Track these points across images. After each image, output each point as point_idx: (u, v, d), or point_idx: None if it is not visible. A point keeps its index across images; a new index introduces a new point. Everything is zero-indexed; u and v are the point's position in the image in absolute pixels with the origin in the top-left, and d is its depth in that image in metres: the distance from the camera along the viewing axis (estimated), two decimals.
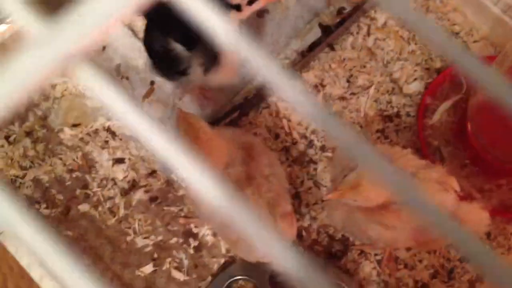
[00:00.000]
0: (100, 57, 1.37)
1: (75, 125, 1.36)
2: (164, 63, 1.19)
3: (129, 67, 1.39)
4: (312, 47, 1.45)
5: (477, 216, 1.14)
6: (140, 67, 1.38)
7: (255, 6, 1.11)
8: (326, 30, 1.47)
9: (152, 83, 1.38)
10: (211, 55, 1.13)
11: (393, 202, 1.10)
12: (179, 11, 1.12)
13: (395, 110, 1.43)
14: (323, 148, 1.38)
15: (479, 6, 1.47)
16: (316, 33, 1.46)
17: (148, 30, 1.24)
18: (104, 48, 1.38)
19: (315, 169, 1.36)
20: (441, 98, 1.42)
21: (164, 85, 1.38)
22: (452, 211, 1.13)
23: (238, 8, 1.09)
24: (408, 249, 1.33)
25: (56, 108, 1.37)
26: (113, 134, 1.36)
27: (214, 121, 1.33)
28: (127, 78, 1.38)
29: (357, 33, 1.48)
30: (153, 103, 1.35)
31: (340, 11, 1.49)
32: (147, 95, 1.37)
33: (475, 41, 1.51)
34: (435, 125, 1.41)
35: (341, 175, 1.10)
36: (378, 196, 1.16)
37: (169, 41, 1.12)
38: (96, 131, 1.36)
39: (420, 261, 1.32)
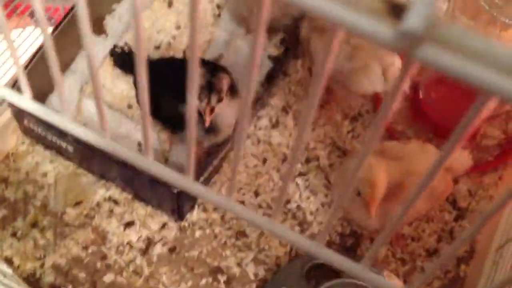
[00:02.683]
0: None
1: (77, 204, 1.40)
2: (165, 119, 1.33)
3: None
4: (269, 77, 1.59)
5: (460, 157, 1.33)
6: (123, 133, 1.46)
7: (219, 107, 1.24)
8: (276, 60, 1.62)
9: (139, 144, 1.45)
10: (212, 126, 1.26)
11: (397, 182, 1.24)
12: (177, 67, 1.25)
13: (356, 111, 1.59)
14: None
15: None
16: (268, 64, 1.60)
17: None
18: None
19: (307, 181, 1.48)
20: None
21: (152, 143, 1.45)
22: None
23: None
24: (410, 224, 1.46)
25: (54, 194, 1.41)
26: (115, 202, 1.41)
27: None
28: None
29: (303, 55, 1.64)
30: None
31: (282, 41, 1.66)
32: None
33: None
34: (394, 112, 1.57)
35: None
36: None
37: (180, 106, 1.24)
38: (98, 204, 1.41)
39: (423, 231, 1.45)
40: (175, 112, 1.26)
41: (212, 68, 1.28)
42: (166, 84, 1.29)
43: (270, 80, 1.57)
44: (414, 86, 1.59)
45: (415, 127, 1.57)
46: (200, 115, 1.22)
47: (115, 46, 1.56)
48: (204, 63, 1.33)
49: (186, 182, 0.52)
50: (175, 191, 1.26)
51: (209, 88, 1.20)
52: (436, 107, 1.56)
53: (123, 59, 1.53)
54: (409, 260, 1.42)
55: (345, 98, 1.54)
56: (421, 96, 1.57)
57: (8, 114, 1.43)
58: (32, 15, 1.58)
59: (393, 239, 1.43)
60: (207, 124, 1.21)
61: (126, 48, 1.56)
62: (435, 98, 1.57)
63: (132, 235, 1.38)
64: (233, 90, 1.27)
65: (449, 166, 1.30)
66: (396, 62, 1.38)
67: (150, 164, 0.52)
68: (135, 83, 1.41)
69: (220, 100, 1.21)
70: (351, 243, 1.42)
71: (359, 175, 1.17)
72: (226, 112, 1.26)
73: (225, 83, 1.22)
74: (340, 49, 1.33)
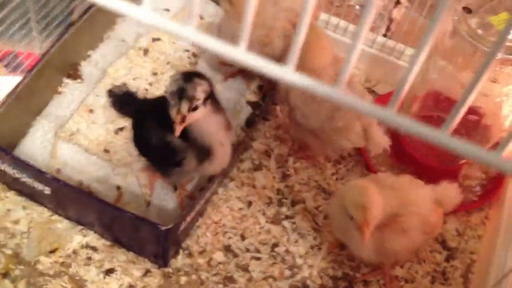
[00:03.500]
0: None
1: (52, 252, 1.29)
2: (160, 156, 1.24)
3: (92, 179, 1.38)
4: (249, 122, 1.57)
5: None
6: (101, 177, 1.38)
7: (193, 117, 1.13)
8: (255, 106, 1.60)
9: (118, 188, 1.38)
10: (202, 147, 1.20)
11: (392, 212, 1.21)
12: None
13: (339, 154, 1.57)
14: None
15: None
16: (247, 110, 1.59)
17: (138, 127, 1.30)
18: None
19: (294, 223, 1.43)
20: None
21: (131, 187, 1.38)
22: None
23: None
24: (402, 266, 1.41)
25: (27, 241, 1.30)
26: (93, 248, 1.32)
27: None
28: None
29: (281, 102, 1.64)
30: (125, 206, 1.34)
31: (260, 87, 1.65)
32: (117, 200, 1.36)
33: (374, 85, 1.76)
34: (377, 155, 1.57)
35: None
36: None
37: (166, 134, 1.18)
38: (75, 252, 1.30)
39: (416, 272, 1.41)
40: (161, 143, 1.21)
41: (189, 74, 1.12)
42: (156, 118, 1.25)
43: (250, 124, 1.55)
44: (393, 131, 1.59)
45: (399, 168, 1.56)
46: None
47: (112, 88, 1.47)
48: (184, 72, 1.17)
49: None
50: (163, 228, 1.19)
51: (180, 95, 1.08)
52: (418, 146, 1.57)
53: (122, 101, 1.46)
54: None
55: (326, 149, 1.52)
56: (403, 136, 1.57)
57: None
58: (4, 63, 1.53)
59: (387, 282, 1.38)
60: (177, 133, 1.10)
61: (124, 90, 1.47)
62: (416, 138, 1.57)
63: (113, 283, 1.27)
64: (215, 102, 1.18)
65: (440, 200, 1.29)
66: (374, 120, 1.39)
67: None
68: (134, 126, 1.35)
69: (193, 108, 1.09)
70: (344, 286, 1.36)
71: (351, 199, 1.16)
72: (212, 127, 1.18)
73: (200, 90, 1.09)
74: (321, 108, 1.34)
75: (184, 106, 1.08)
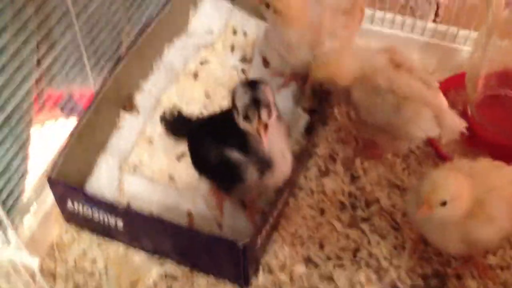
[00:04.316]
0: None
1: (133, 286, 1.28)
2: (221, 173, 1.21)
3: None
4: (308, 128, 1.52)
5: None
6: (171, 204, 1.37)
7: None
8: (312, 112, 1.57)
9: (189, 213, 1.36)
10: (263, 157, 1.15)
11: (476, 199, 1.14)
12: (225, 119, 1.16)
13: (406, 148, 1.51)
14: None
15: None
16: (304, 117, 1.55)
17: (194, 147, 1.29)
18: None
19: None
20: None
21: (201, 211, 1.36)
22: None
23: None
24: (494, 253, 1.33)
25: (106, 279, 1.30)
26: (173, 277, 1.30)
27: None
28: None
29: (338, 104, 1.60)
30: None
31: (314, 93, 1.61)
32: (189, 225, 1.34)
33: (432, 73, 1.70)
34: (447, 143, 1.50)
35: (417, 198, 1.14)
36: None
37: (225, 150, 1.16)
38: (155, 283, 1.29)
39: (511, 257, 1.33)
40: (221, 160, 1.18)
41: (252, 83, 1.10)
42: (213, 135, 1.23)
43: (310, 131, 1.51)
44: (463, 109, 1.53)
45: (472, 153, 1.49)
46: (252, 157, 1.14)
47: (163, 114, 1.47)
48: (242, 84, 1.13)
49: None
50: (240, 244, 1.16)
51: (256, 104, 1.05)
52: (489, 126, 1.49)
53: (175, 125, 1.44)
54: None
55: (396, 144, 1.47)
56: (469, 113, 1.51)
57: (49, 202, 1.35)
58: (60, 106, 1.54)
59: (481, 272, 1.30)
60: (265, 145, 1.07)
61: (175, 112, 1.46)
62: (488, 118, 1.51)
63: None
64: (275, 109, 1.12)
65: None
66: (444, 104, 1.34)
67: None
68: (190, 147, 1.33)
69: (271, 114, 1.06)
70: (435, 283, 1.29)
71: (425, 182, 1.11)
72: (273, 137, 1.11)
73: (270, 95, 1.07)
74: (385, 101, 1.29)
75: (264, 114, 1.05)
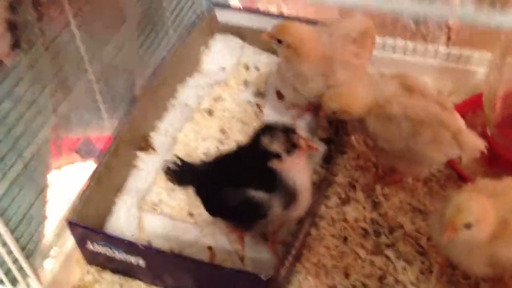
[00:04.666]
0: None
1: None
2: (243, 214, 1.21)
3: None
4: (326, 158, 1.52)
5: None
6: (191, 240, 1.36)
7: (295, 157, 1.17)
8: (329, 141, 1.56)
9: (210, 248, 1.35)
10: (289, 192, 1.17)
11: (501, 220, 1.12)
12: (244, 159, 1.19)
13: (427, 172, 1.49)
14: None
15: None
16: (322, 146, 1.54)
17: (207, 192, 1.27)
18: None
19: None
20: None
21: (222, 245, 1.35)
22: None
23: (278, 156, 1.16)
24: None
25: None
26: None
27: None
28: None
29: (354, 131, 1.59)
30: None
31: (330, 122, 1.61)
32: (211, 260, 1.32)
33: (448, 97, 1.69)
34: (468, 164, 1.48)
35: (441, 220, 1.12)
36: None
37: (246, 191, 1.17)
38: None
39: None
40: (242, 200, 1.18)
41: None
42: (227, 177, 1.23)
43: (328, 160, 1.50)
44: (483, 130, 1.51)
45: (494, 173, 1.45)
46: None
47: (166, 163, 1.43)
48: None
49: None
50: (264, 278, 1.14)
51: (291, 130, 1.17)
52: (508, 143, 1.47)
53: (178, 174, 1.44)
54: None
55: (416, 169, 1.45)
56: (489, 134, 1.48)
57: (70, 245, 1.35)
58: (77, 150, 1.56)
59: None
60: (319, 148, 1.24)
61: (177, 162, 1.41)
62: (508, 138, 1.48)
63: None
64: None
65: None
66: (461, 124, 1.32)
67: None
68: (200, 193, 1.32)
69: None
70: None
71: (450, 204, 1.08)
72: (298, 172, 1.18)
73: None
74: (401, 128, 1.28)
75: (302, 133, 1.19)
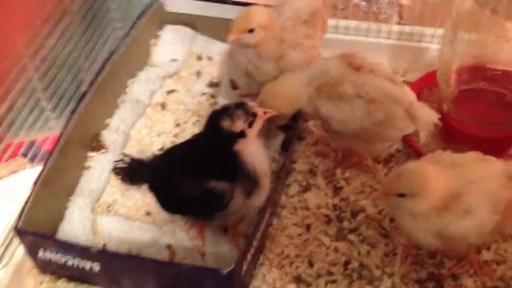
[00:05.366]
0: None
1: None
2: (205, 206, 1.16)
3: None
4: (284, 145, 1.48)
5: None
6: (149, 240, 1.31)
7: (256, 127, 1.16)
8: (287, 128, 1.52)
9: (169, 246, 1.30)
10: (251, 180, 1.14)
11: (453, 192, 1.10)
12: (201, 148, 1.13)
13: (386, 153, 1.48)
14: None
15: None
16: (279, 134, 1.51)
17: (162, 188, 1.21)
18: None
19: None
20: None
21: (182, 242, 1.31)
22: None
23: (242, 134, 1.13)
24: (488, 248, 1.28)
25: None
26: None
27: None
28: None
29: (312, 117, 1.56)
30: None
31: None
32: (171, 259, 1.28)
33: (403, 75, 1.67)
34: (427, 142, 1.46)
35: None
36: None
37: (206, 182, 1.12)
38: None
39: (506, 250, 1.28)
40: (203, 192, 1.13)
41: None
42: (184, 170, 1.18)
43: (286, 148, 1.47)
44: (439, 106, 1.50)
45: (452, 149, 1.45)
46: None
47: (115, 164, 1.30)
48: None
49: None
50: (225, 272, 1.10)
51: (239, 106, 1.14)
52: (467, 120, 1.46)
53: (129, 172, 1.38)
54: (504, 285, 1.23)
55: (373, 149, 1.43)
56: (445, 110, 1.47)
57: (20, 254, 1.29)
58: (24, 154, 1.49)
59: (477, 270, 1.25)
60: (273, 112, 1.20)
61: (127, 160, 1.28)
62: (464, 112, 1.47)
63: None
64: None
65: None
66: (413, 97, 1.30)
67: None
68: (155, 190, 1.24)
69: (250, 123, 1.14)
70: (432, 286, 1.24)
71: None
72: (258, 156, 1.15)
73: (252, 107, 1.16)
74: (355, 108, 1.26)
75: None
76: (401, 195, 1.09)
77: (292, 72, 1.36)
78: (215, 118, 1.14)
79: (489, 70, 1.48)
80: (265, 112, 1.17)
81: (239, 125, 1.12)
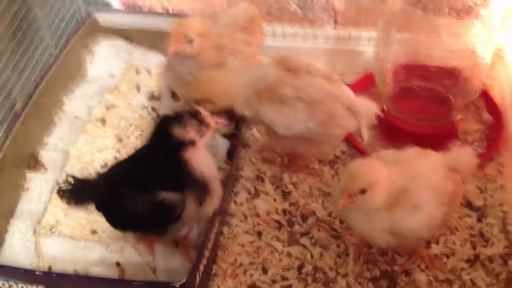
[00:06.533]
0: None
1: None
2: (156, 219, 1.13)
3: None
4: (229, 153, 1.47)
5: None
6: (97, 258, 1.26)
7: (207, 137, 1.16)
8: (231, 136, 1.51)
9: (118, 264, 1.26)
10: (201, 186, 1.12)
11: (400, 187, 1.12)
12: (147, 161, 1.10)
13: (331, 155, 1.49)
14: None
15: None
16: (224, 142, 1.49)
17: (109, 205, 1.17)
18: None
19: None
20: None
21: (131, 259, 1.26)
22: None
23: (192, 143, 1.12)
24: (437, 242, 1.31)
25: None
26: None
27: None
28: None
29: (256, 124, 1.55)
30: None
31: (230, 117, 1.56)
32: (121, 277, 1.24)
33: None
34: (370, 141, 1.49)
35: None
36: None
37: (157, 194, 1.09)
38: None
39: (454, 243, 1.31)
40: (154, 205, 1.10)
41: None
42: (131, 184, 1.14)
43: (232, 155, 1.45)
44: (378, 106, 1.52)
45: (395, 147, 1.47)
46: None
47: (58, 185, 1.23)
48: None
49: None
50: (178, 286, 1.07)
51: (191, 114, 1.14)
52: (406, 117, 1.50)
53: (74, 193, 1.27)
54: (455, 277, 1.25)
55: (319, 150, 1.44)
56: (385, 109, 1.50)
57: None
58: None
59: (428, 263, 1.26)
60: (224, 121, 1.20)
61: (71, 181, 1.21)
62: (403, 109, 1.50)
63: None
64: None
65: (454, 166, 1.18)
66: (351, 93, 1.32)
67: None
68: (102, 207, 1.19)
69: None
70: (387, 284, 1.24)
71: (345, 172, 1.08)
72: (207, 162, 1.15)
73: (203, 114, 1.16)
74: (297, 110, 1.26)
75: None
76: (363, 192, 1.08)
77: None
78: (165, 125, 1.11)
79: (424, 67, 1.52)
80: (216, 123, 1.16)
81: (191, 133, 1.11)
